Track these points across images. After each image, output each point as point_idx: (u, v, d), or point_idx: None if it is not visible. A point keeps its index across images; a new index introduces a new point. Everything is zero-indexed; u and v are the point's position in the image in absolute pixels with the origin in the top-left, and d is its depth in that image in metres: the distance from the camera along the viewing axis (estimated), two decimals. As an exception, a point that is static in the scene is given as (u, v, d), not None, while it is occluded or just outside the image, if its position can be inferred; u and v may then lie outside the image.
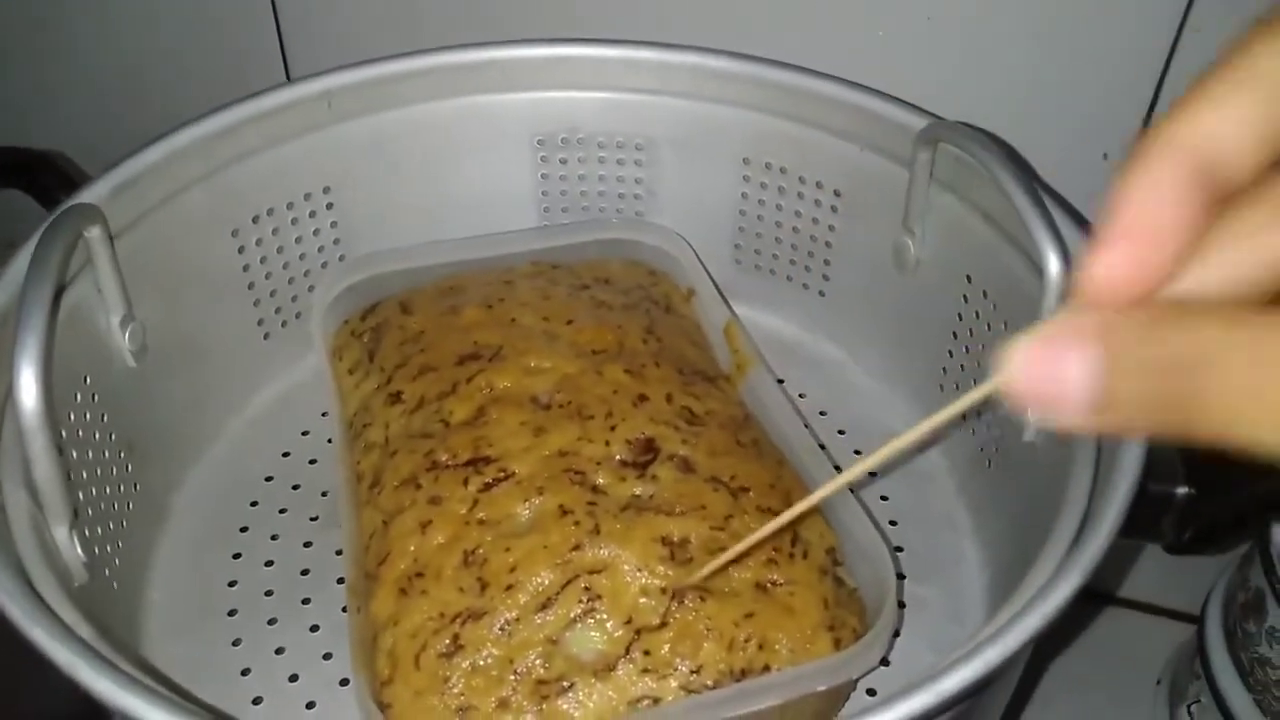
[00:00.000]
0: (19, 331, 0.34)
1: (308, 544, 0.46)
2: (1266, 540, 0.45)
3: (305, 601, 0.44)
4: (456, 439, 0.41)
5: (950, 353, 0.47)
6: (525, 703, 0.36)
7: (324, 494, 0.47)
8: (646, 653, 0.36)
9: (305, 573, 0.45)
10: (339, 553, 0.44)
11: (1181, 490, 0.38)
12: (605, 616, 0.37)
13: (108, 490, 0.41)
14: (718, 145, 0.52)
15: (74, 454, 0.39)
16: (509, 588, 0.37)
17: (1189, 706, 0.52)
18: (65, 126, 0.66)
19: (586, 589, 0.37)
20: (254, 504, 0.47)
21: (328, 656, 0.42)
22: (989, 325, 0.45)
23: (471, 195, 0.53)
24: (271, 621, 0.43)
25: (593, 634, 0.37)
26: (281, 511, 0.47)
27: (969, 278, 0.45)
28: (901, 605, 0.43)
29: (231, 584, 0.44)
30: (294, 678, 0.41)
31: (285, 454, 0.49)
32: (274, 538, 0.46)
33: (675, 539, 0.38)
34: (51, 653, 0.30)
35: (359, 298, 0.50)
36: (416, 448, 0.41)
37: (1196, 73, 0.19)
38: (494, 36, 0.51)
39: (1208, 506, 0.38)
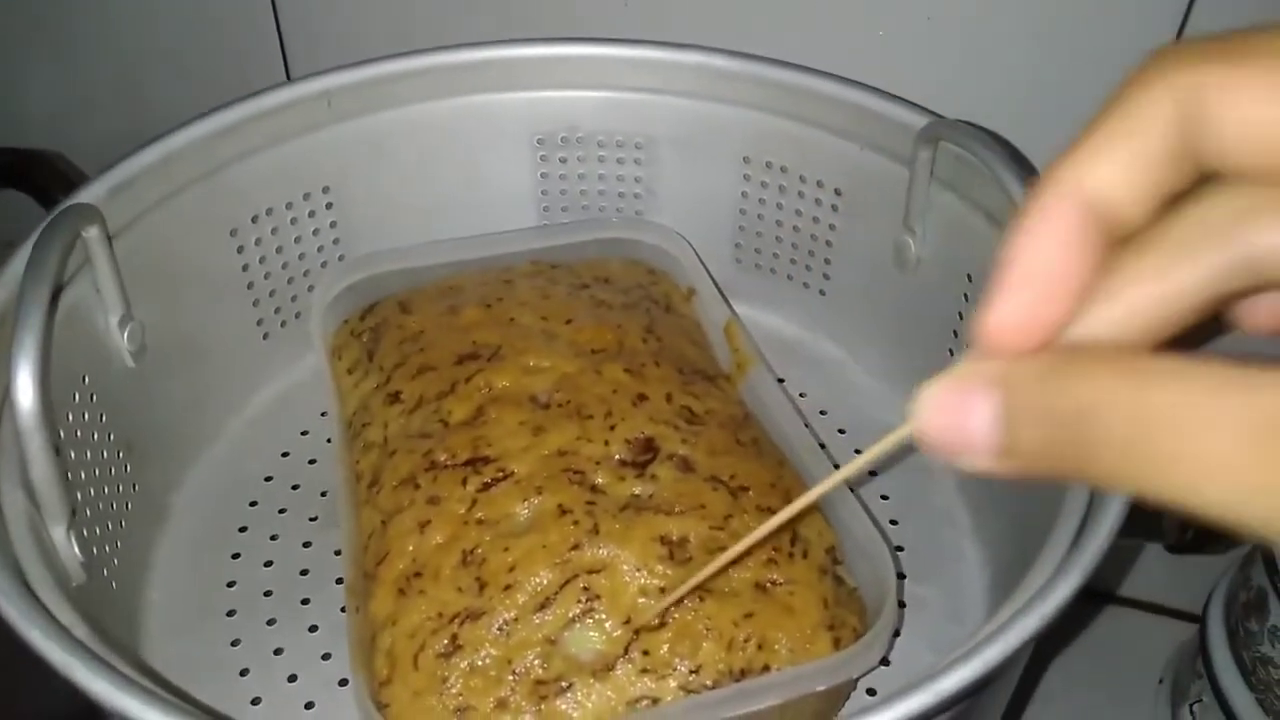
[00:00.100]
0: (16, 331, 0.34)
1: (307, 544, 0.46)
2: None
3: (304, 602, 0.43)
4: (455, 439, 0.41)
5: (951, 352, 0.47)
6: (524, 703, 0.35)
7: (323, 494, 0.47)
8: (645, 653, 0.36)
9: (304, 573, 0.44)
10: (338, 553, 0.44)
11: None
12: (604, 616, 0.37)
13: (106, 490, 0.41)
14: (718, 144, 0.52)
15: (72, 454, 0.39)
16: (507, 587, 0.37)
17: (1191, 706, 0.51)
18: (64, 126, 0.66)
19: (585, 589, 0.37)
20: (253, 504, 0.47)
21: (326, 657, 0.41)
22: (989, 324, 0.44)
23: (471, 195, 0.53)
24: (270, 622, 0.43)
25: (591, 634, 0.37)
26: (281, 511, 0.47)
27: (970, 277, 0.45)
28: (901, 604, 0.43)
29: (230, 584, 0.44)
30: (293, 678, 0.41)
31: (284, 454, 0.49)
32: (273, 538, 0.46)
33: (674, 538, 0.38)
34: (47, 653, 0.30)
35: (358, 297, 0.50)
36: (415, 447, 0.41)
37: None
38: (493, 36, 0.51)
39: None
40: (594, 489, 0.39)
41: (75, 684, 0.29)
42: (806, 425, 0.44)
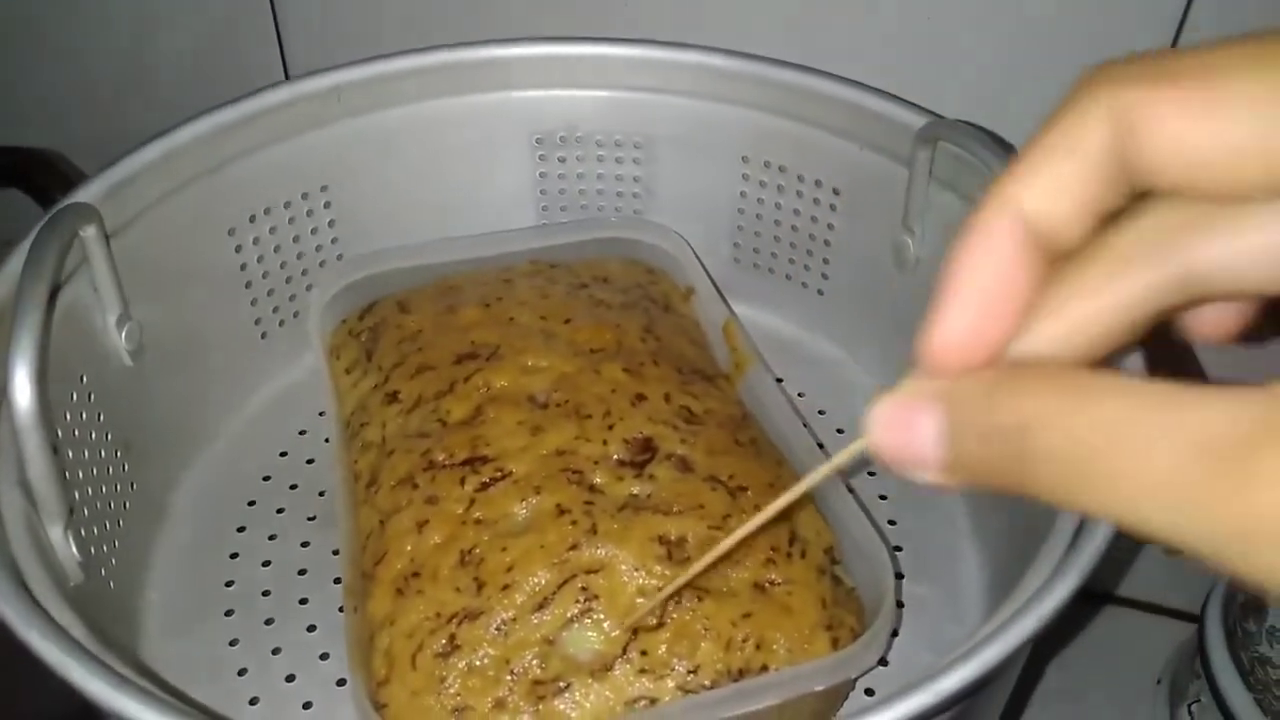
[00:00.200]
0: (14, 330, 0.34)
1: (305, 544, 0.46)
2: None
3: (302, 601, 0.43)
4: (453, 438, 0.41)
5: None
6: (522, 703, 0.35)
7: (321, 493, 0.47)
8: (644, 653, 0.36)
9: (302, 572, 0.44)
10: (336, 552, 0.44)
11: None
12: (602, 616, 0.37)
13: (104, 490, 0.41)
14: (717, 144, 0.52)
15: (70, 453, 0.39)
16: (505, 587, 0.37)
17: (1189, 706, 0.51)
18: (64, 126, 0.65)
19: (583, 589, 0.37)
20: (251, 504, 0.47)
21: (325, 656, 0.41)
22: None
23: (470, 194, 0.53)
24: (269, 621, 0.43)
25: (589, 634, 0.37)
26: (279, 511, 0.47)
27: (968, 276, 0.45)
28: (900, 604, 0.42)
29: (229, 584, 0.44)
30: (291, 678, 0.41)
31: (283, 453, 0.49)
32: (271, 537, 0.46)
33: (673, 538, 0.38)
34: (45, 654, 0.30)
35: (356, 297, 0.50)
36: (413, 447, 0.41)
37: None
38: (492, 35, 0.51)
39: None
40: (592, 489, 0.39)
41: (72, 684, 0.29)
42: (805, 425, 0.44)
